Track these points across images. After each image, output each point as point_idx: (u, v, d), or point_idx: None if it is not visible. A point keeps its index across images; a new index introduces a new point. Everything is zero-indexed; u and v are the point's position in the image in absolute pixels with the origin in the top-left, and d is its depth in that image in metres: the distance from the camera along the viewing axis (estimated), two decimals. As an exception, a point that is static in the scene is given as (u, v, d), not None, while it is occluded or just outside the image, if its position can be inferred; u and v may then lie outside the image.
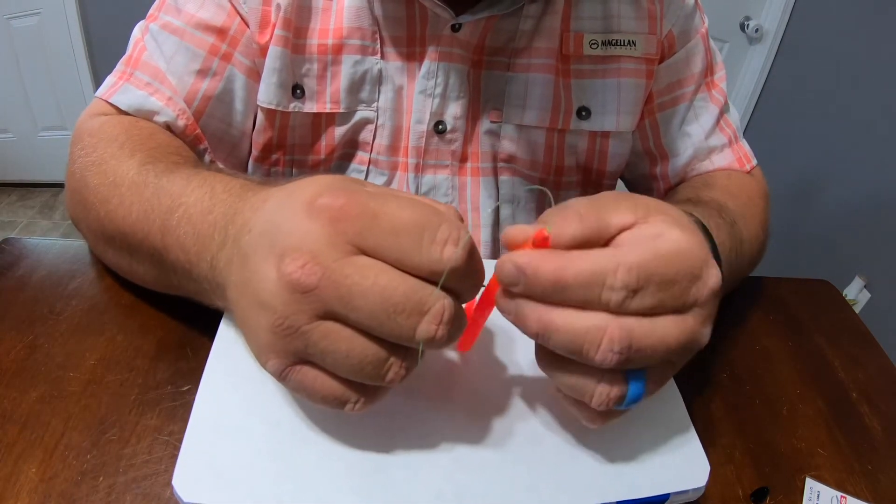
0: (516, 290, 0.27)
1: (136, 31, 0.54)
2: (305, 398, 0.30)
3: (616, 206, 0.29)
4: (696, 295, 0.28)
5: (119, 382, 0.40)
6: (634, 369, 0.28)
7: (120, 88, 0.52)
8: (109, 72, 0.54)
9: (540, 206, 0.63)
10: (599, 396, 0.28)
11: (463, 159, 0.59)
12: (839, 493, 0.39)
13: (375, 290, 0.25)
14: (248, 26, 0.53)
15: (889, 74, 1.38)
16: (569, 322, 0.27)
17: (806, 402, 0.46)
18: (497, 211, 0.61)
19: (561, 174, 0.61)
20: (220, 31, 0.52)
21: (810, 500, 0.39)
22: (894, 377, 0.49)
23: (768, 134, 1.82)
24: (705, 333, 0.29)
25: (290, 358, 0.28)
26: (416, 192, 0.59)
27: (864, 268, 1.47)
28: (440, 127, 0.57)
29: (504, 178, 0.60)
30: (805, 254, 1.70)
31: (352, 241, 0.26)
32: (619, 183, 0.71)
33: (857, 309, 1.40)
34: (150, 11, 0.54)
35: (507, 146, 0.59)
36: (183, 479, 0.29)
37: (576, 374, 0.28)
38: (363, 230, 0.26)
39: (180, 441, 0.31)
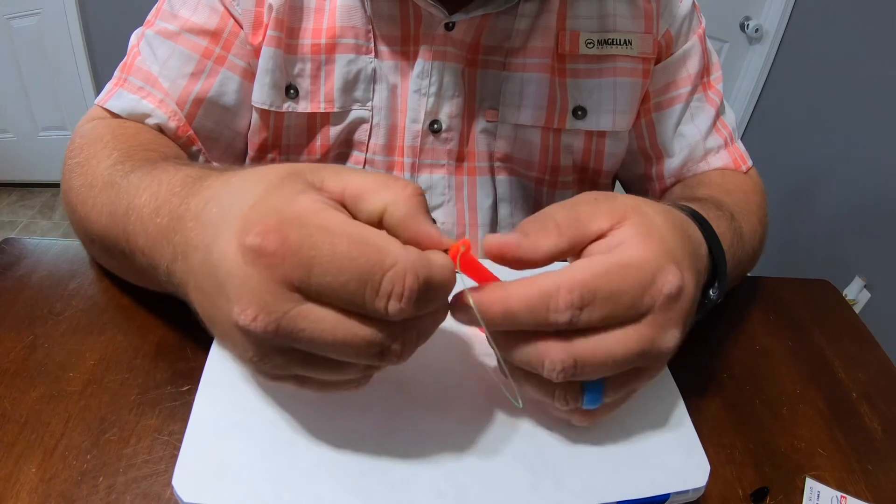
0: (480, 328, 0.29)
1: (133, 38, 0.55)
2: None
3: (594, 213, 0.30)
4: (649, 303, 0.28)
5: (119, 382, 0.40)
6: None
7: (114, 94, 0.52)
8: (109, 72, 0.55)
9: (537, 205, 0.63)
10: (559, 402, 0.30)
11: (460, 158, 0.59)
12: (839, 493, 0.39)
13: (335, 342, 0.25)
14: (241, 28, 0.53)
15: (889, 74, 1.38)
16: (515, 347, 0.29)
17: (806, 402, 0.46)
18: (495, 210, 0.61)
19: (557, 173, 0.61)
20: (214, 35, 0.53)
21: (810, 500, 0.39)
22: (894, 377, 0.49)
23: (768, 134, 1.82)
24: (667, 339, 0.30)
25: (279, 376, 0.28)
26: None
27: (864, 268, 1.47)
28: (435, 126, 0.57)
29: (501, 177, 0.60)
30: (805, 254, 1.70)
31: (293, 287, 0.25)
32: (617, 184, 0.71)
33: (857, 309, 1.41)
34: (148, 18, 0.55)
35: (503, 145, 0.59)
36: (183, 479, 0.29)
37: (535, 384, 0.31)
38: (302, 279, 0.24)
39: (180, 441, 0.31)
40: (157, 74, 0.52)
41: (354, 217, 0.27)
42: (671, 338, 0.30)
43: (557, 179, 0.61)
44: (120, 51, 0.55)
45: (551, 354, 0.28)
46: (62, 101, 2.10)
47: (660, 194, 0.63)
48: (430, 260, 0.26)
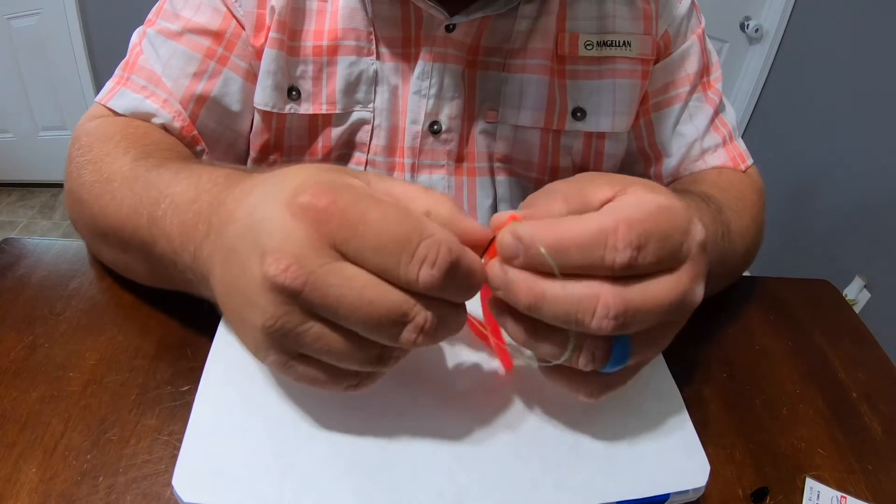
0: (517, 263, 0.27)
1: (135, 36, 0.55)
2: (308, 385, 0.30)
3: (597, 184, 0.30)
4: (687, 249, 0.28)
5: (119, 382, 0.40)
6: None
7: (117, 93, 0.52)
8: (109, 72, 0.54)
9: None
10: (584, 359, 0.28)
11: (459, 159, 0.59)
12: (839, 493, 0.39)
13: (361, 303, 0.26)
14: (243, 29, 0.53)
15: (889, 74, 1.38)
16: (561, 291, 0.27)
17: (806, 402, 0.46)
18: (495, 210, 0.61)
19: (556, 174, 0.61)
20: (216, 35, 0.53)
21: (810, 500, 0.39)
22: (894, 377, 0.49)
23: (768, 134, 1.82)
24: (698, 291, 0.29)
25: (287, 353, 0.28)
26: None
27: (864, 268, 1.47)
28: (435, 127, 0.57)
29: (501, 178, 0.60)
30: (805, 254, 1.70)
31: (335, 245, 0.26)
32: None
33: (857, 309, 1.41)
34: (149, 17, 0.55)
35: (503, 146, 0.59)
36: (183, 479, 0.29)
37: (557, 342, 0.28)
38: (345, 238, 0.26)
39: (180, 441, 0.31)
40: (160, 74, 0.52)
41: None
42: (700, 291, 0.29)
43: (557, 180, 0.61)
44: (120, 51, 0.55)
45: (605, 299, 0.26)
46: (62, 101, 2.10)
47: None
48: (466, 248, 0.27)
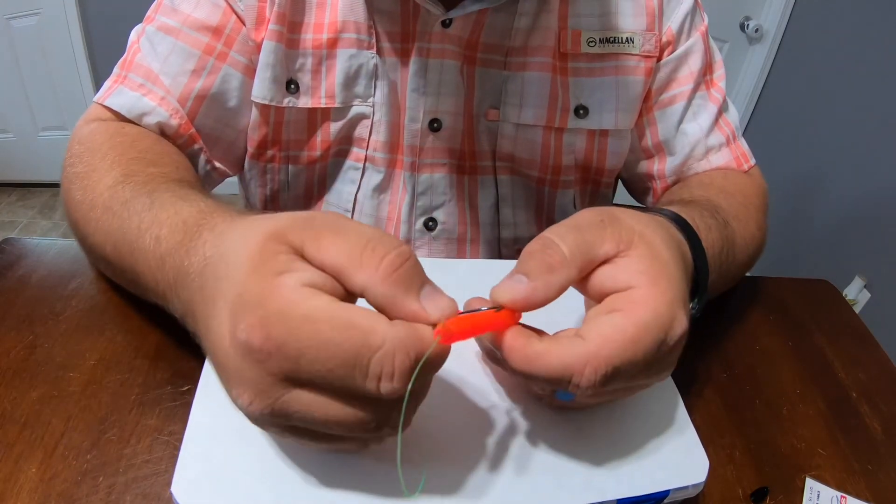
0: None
1: (133, 34, 0.55)
2: None
3: (601, 238, 0.30)
4: (660, 356, 0.29)
5: (119, 382, 0.40)
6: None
7: (114, 91, 0.52)
8: (109, 72, 0.54)
9: (539, 205, 0.63)
10: (538, 388, 0.33)
11: (461, 157, 0.59)
12: (839, 493, 0.39)
13: (328, 420, 0.26)
14: (244, 24, 0.53)
15: (889, 74, 1.38)
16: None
17: (806, 402, 0.46)
18: (497, 209, 0.61)
19: (559, 173, 0.61)
20: (216, 31, 0.52)
21: (810, 500, 0.39)
22: (894, 377, 0.49)
23: (768, 134, 1.82)
24: (664, 375, 0.32)
25: (279, 427, 0.27)
26: (413, 190, 0.59)
27: (864, 268, 1.47)
28: (435, 125, 0.56)
29: (503, 176, 0.60)
30: (805, 254, 1.70)
31: (284, 377, 0.25)
32: (619, 185, 0.71)
33: (857, 309, 1.40)
34: (148, 13, 0.55)
35: (505, 145, 0.58)
36: (182, 484, 0.29)
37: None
38: (290, 371, 0.25)
39: (180, 441, 0.31)
40: (157, 71, 0.52)
41: (344, 286, 0.27)
42: (667, 373, 0.32)
43: (559, 179, 0.61)
44: (120, 50, 0.55)
45: (557, 402, 0.32)
46: (62, 101, 2.10)
47: (661, 193, 0.63)
48: (420, 334, 0.25)
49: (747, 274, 0.57)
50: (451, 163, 0.58)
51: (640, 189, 0.66)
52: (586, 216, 0.31)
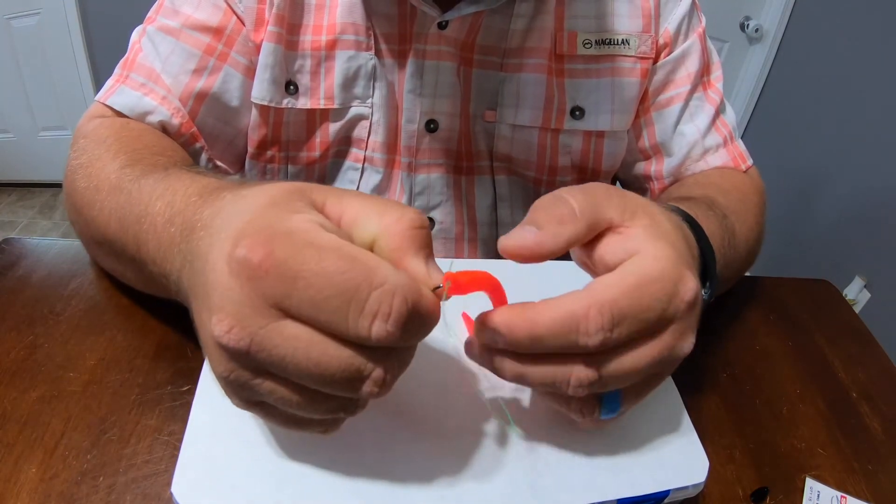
0: (498, 348, 0.28)
1: (134, 34, 0.55)
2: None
3: (609, 202, 0.30)
4: (672, 313, 0.28)
5: (119, 382, 0.40)
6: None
7: (116, 91, 0.52)
8: (109, 72, 0.54)
9: None
10: (575, 414, 0.30)
11: (458, 158, 0.59)
12: (839, 493, 0.39)
13: (308, 363, 0.24)
14: (244, 25, 0.53)
15: (889, 74, 1.38)
16: (539, 372, 0.28)
17: (806, 402, 0.46)
18: (495, 209, 0.61)
19: (555, 174, 0.61)
20: (217, 31, 0.53)
21: (810, 500, 0.39)
22: (894, 377, 0.49)
23: (768, 134, 1.82)
24: (685, 346, 0.30)
25: (246, 401, 0.27)
26: (411, 191, 0.59)
27: (864, 268, 1.47)
28: (432, 126, 0.57)
29: (500, 177, 0.60)
30: (805, 254, 1.70)
31: (274, 303, 0.24)
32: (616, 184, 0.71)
33: (857, 309, 1.40)
34: (149, 14, 0.55)
35: (502, 146, 0.59)
36: (182, 484, 0.29)
37: (551, 396, 0.30)
38: (285, 295, 0.23)
39: (180, 441, 0.31)
40: (159, 71, 0.52)
41: (355, 241, 0.26)
42: (689, 343, 0.30)
43: (556, 179, 0.61)
44: (120, 50, 0.55)
45: (577, 374, 0.27)
46: (62, 101, 2.10)
47: (658, 193, 0.63)
48: (420, 288, 0.25)
49: (747, 274, 0.57)
50: (448, 163, 0.59)
51: (637, 190, 0.67)
52: (593, 184, 0.31)
